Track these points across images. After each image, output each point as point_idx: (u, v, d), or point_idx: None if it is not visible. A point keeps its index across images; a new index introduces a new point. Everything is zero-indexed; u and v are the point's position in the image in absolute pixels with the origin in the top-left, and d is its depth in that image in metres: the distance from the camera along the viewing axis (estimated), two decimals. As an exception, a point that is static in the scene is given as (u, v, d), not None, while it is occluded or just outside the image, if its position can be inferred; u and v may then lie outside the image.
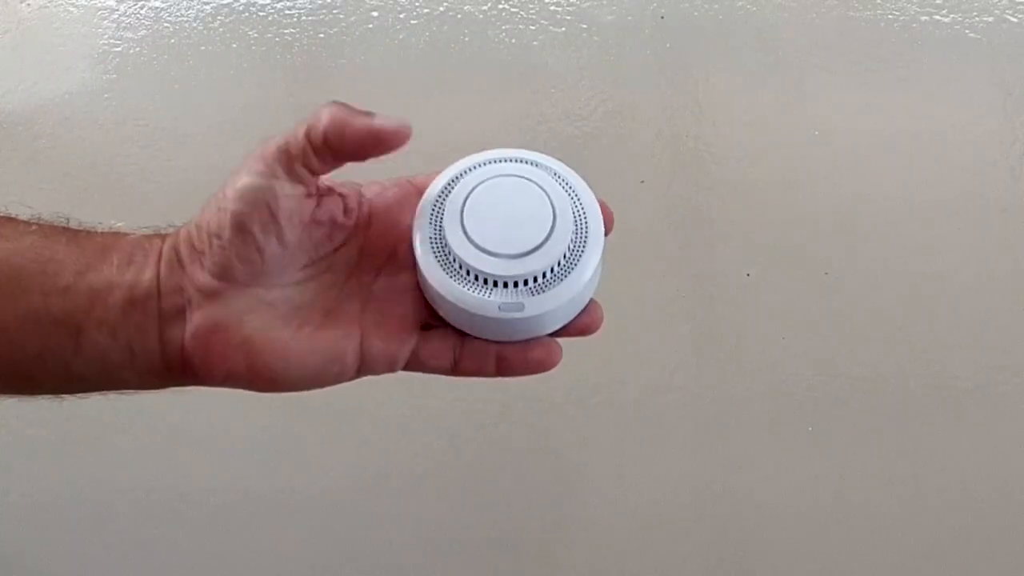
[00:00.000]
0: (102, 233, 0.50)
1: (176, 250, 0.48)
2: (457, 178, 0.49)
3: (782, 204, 1.04)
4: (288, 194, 0.46)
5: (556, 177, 0.49)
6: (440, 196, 0.48)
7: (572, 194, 0.49)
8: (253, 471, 1.04)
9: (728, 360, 1.04)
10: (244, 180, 0.46)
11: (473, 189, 0.48)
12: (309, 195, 0.47)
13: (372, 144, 0.45)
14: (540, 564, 1.05)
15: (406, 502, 1.05)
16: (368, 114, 0.45)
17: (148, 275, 0.48)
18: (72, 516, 1.04)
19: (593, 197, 0.49)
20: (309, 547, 1.04)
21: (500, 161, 0.49)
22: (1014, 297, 1.03)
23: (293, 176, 0.46)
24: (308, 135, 0.45)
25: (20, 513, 1.04)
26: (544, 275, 0.47)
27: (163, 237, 0.49)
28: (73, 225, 0.51)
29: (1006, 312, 1.03)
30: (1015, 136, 1.02)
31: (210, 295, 0.47)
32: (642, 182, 1.02)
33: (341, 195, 0.49)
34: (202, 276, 0.47)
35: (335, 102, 0.46)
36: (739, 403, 1.03)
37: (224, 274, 0.47)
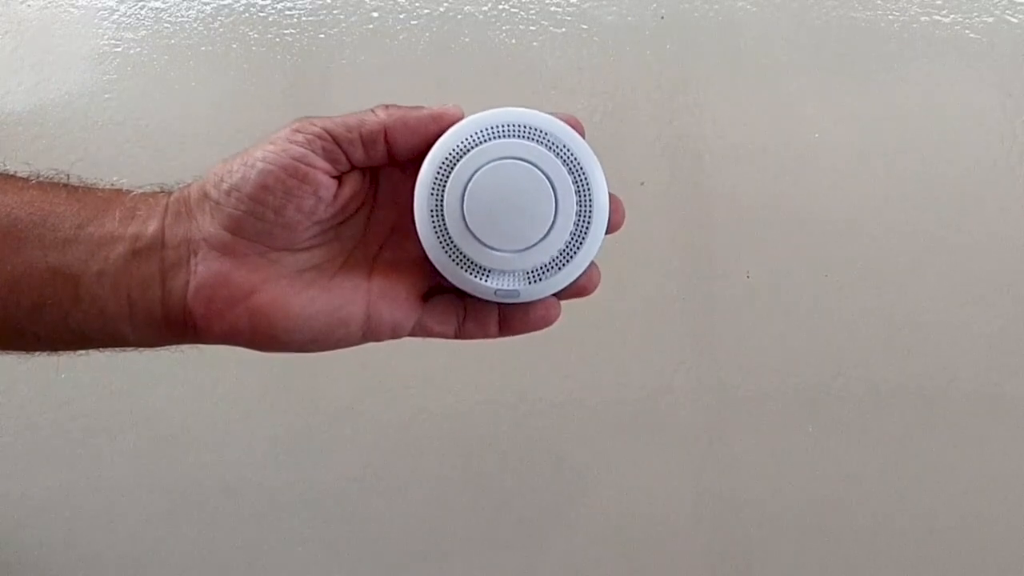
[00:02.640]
0: (103, 189, 0.51)
1: (185, 202, 0.49)
2: (456, 154, 0.48)
3: (782, 204, 1.04)
4: (319, 167, 0.47)
5: (564, 155, 0.48)
6: (442, 170, 0.48)
7: (579, 178, 0.48)
8: (253, 471, 1.04)
9: (728, 360, 1.04)
10: (282, 144, 0.47)
11: (476, 171, 0.47)
12: (334, 176, 0.48)
13: (434, 127, 0.48)
14: (540, 564, 1.05)
15: (406, 502, 1.05)
16: (420, 107, 0.48)
17: (152, 227, 0.48)
18: (73, 517, 1.04)
19: (602, 180, 0.48)
20: (309, 546, 1.04)
21: (508, 132, 0.48)
22: (1014, 297, 1.03)
23: (327, 156, 0.47)
24: (361, 128, 0.47)
25: (21, 514, 1.04)
26: (543, 264, 0.48)
27: (168, 193, 0.50)
28: (73, 181, 0.51)
29: (1006, 312, 1.03)
30: (1015, 136, 1.02)
31: (217, 247, 0.48)
32: (642, 183, 1.02)
33: (362, 171, 0.50)
34: (211, 226, 0.48)
35: (386, 104, 0.48)
36: (739, 403, 1.03)
37: (235, 227, 0.47)
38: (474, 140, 0.48)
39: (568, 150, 0.48)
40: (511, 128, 0.48)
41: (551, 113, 0.48)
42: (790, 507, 1.04)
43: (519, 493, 1.05)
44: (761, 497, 1.04)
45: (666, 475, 1.04)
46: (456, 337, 0.51)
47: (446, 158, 0.47)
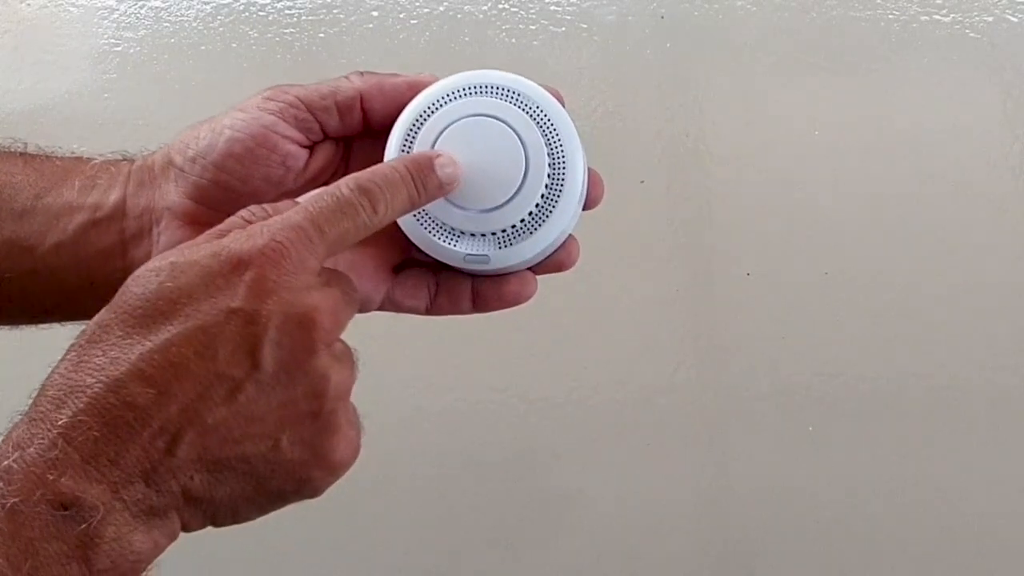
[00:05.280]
0: (62, 157, 0.49)
1: (148, 170, 0.47)
2: (429, 111, 0.46)
3: (782, 204, 1.04)
4: (289, 136, 0.46)
5: (537, 115, 0.46)
6: (411, 130, 0.46)
7: (552, 139, 0.46)
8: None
9: (728, 360, 1.04)
10: (253, 112, 0.46)
11: (444, 129, 0.45)
12: (305, 145, 0.47)
13: (410, 94, 0.46)
14: (540, 565, 1.05)
15: (405, 502, 1.05)
16: (396, 74, 0.47)
17: (114, 197, 0.47)
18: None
19: (577, 144, 0.46)
20: (307, 547, 1.04)
21: (477, 91, 0.46)
22: (1014, 297, 1.03)
23: (299, 125, 0.46)
24: (336, 95, 0.46)
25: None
26: (513, 227, 0.46)
27: (131, 161, 0.49)
28: (31, 150, 0.50)
29: (1006, 312, 1.03)
30: (1015, 136, 1.02)
31: (180, 216, 0.46)
32: (642, 182, 1.02)
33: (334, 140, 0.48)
34: (175, 195, 0.46)
35: (360, 71, 0.47)
36: (739, 403, 1.03)
37: (200, 196, 0.46)
38: (444, 100, 0.46)
39: (541, 111, 0.46)
40: (484, 88, 0.46)
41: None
42: (790, 507, 1.04)
43: (519, 493, 1.05)
44: (761, 497, 1.04)
45: (666, 474, 1.04)
46: (428, 313, 0.49)
47: (416, 118, 0.46)
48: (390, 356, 1.01)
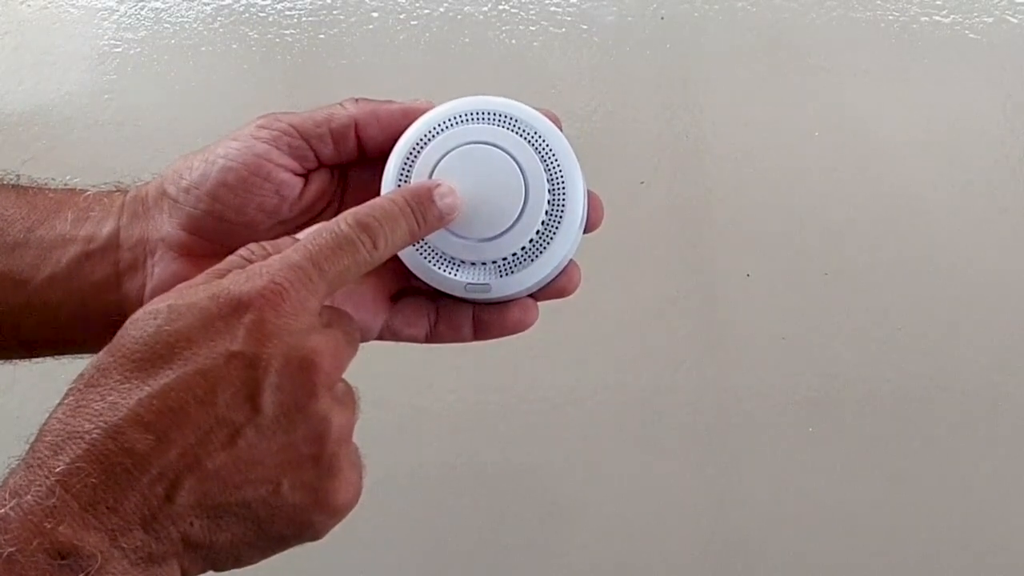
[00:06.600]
0: (55, 189, 0.49)
1: (142, 200, 0.47)
2: (426, 139, 0.45)
3: (782, 204, 1.04)
4: (283, 164, 0.46)
5: (536, 142, 0.45)
6: (409, 158, 0.45)
7: (551, 165, 0.45)
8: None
9: (728, 360, 1.04)
10: (246, 140, 0.45)
11: (442, 157, 0.45)
12: (299, 174, 0.46)
13: (405, 121, 0.46)
14: (540, 564, 1.05)
15: (404, 502, 1.05)
16: (391, 101, 0.46)
17: (107, 228, 0.47)
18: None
19: (577, 170, 0.46)
20: (304, 546, 1.04)
21: (474, 118, 0.45)
22: (1014, 297, 1.03)
23: (293, 153, 0.46)
24: (330, 123, 0.45)
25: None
26: (514, 255, 0.45)
27: (124, 191, 0.48)
28: (24, 182, 0.49)
29: (1006, 312, 1.03)
30: (1015, 136, 1.02)
31: (175, 248, 0.46)
32: (642, 182, 1.02)
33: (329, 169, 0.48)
34: (169, 226, 0.46)
35: (355, 98, 0.46)
36: (739, 403, 1.03)
37: (194, 227, 0.46)
38: (442, 127, 0.46)
39: (541, 137, 0.45)
40: (481, 115, 0.46)
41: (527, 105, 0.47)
42: (790, 508, 1.04)
43: (518, 493, 1.05)
44: (761, 497, 1.04)
45: (666, 475, 1.04)
46: (427, 341, 0.48)
47: (413, 146, 0.45)
48: (390, 356, 1.01)
